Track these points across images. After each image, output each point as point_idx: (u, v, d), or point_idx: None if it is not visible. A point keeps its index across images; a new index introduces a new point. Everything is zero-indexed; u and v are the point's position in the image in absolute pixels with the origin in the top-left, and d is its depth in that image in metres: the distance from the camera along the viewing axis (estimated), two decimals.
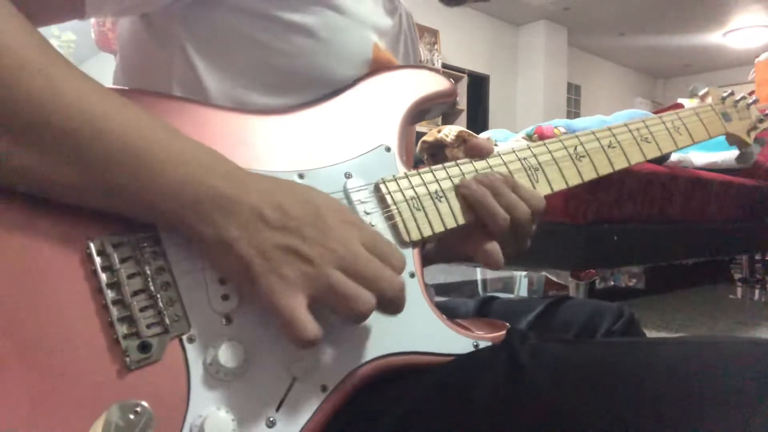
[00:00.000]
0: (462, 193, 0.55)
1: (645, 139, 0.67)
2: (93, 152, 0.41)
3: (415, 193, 0.54)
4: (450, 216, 0.54)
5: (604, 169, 0.63)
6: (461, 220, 0.54)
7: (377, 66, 0.61)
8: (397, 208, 0.53)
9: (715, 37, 8.64)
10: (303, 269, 0.42)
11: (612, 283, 3.84)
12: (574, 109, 9.14)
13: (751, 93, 0.86)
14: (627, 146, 0.65)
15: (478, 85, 7.90)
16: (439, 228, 0.53)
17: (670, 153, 2.53)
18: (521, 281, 3.33)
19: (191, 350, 0.43)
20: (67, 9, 0.49)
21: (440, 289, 0.68)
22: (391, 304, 0.45)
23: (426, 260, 0.62)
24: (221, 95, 0.55)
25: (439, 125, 2.72)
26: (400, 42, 0.73)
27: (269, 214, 0.43)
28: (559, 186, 0.60)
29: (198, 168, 0.43)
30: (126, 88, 0.52)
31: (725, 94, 0.81)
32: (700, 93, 0.82)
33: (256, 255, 0.42)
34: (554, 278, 2.94)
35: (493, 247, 0.54)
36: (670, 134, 0.70)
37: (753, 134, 0.83)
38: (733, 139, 0.82)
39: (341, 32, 0.57)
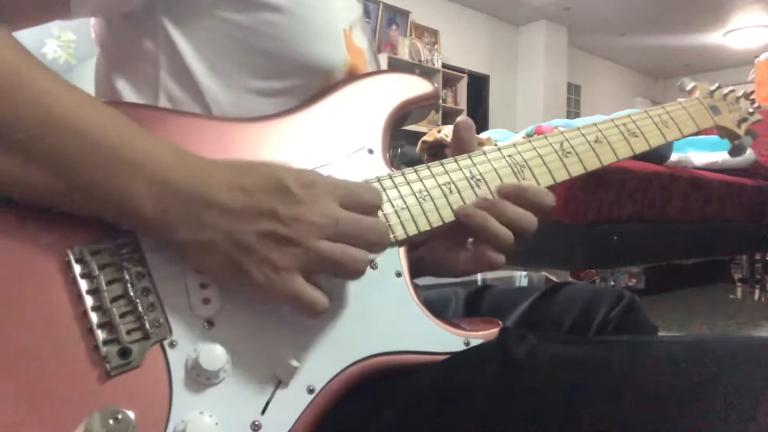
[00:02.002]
0: (462, 222, 0.54)
1: (632, 133, 0.67)
2: (63, 151, 0.41)
3: (399, 193, 0.54)
4: (435, 214, 0.54)
5: (592, 165, 0.63)
6: (447, 218, 0.54)
7: (350, 47, 0.61)
8: (381, 209, 0.52)
9: (715, 37, 8.63)
10: (291, 251, 0.42)
11: (612, 283, 3.84)
12: (574, 109, 9.13)
13: (751, 93, 0.86)
14: (614, 141, 0.65)
15: (478, 85, 7.89)
16: (424, 226, 0.53)
17: (670, 153, 2.55)
18: (521, 281, 3.33)
19: (173, 355, 0.42)
20: (54, 8, 0.49)
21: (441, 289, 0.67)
22: (380, 248, 0.46)
23: (418, 272, 0.61)
24: (211, 81, 0.55)
25: (439, 125, 2.72)
26: (365, 28, 0.73)
27: (238, 204, 0.42)
28: (546, 182, 0.60)
29: (160, 168, 0.42)
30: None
31: (713, 88, 0.82)
32: (688, 88, 0.83)
33: (240, 250, 0.42)
34: (554, 278, 2.94)
35: (498, 258, 0.55)
36: (658, 128, 0.70)
37: (744, 126, 0.83)
38: (723, 132, 0.83)
39: (308, 7, 0.57)
